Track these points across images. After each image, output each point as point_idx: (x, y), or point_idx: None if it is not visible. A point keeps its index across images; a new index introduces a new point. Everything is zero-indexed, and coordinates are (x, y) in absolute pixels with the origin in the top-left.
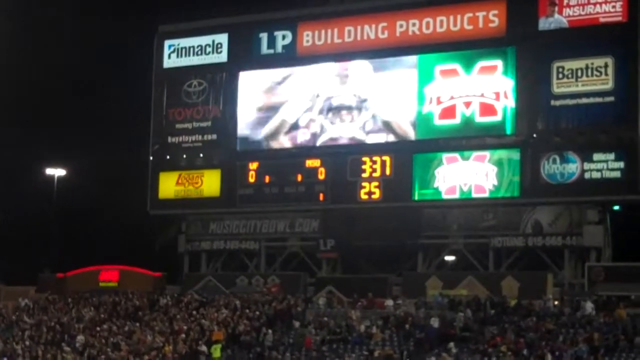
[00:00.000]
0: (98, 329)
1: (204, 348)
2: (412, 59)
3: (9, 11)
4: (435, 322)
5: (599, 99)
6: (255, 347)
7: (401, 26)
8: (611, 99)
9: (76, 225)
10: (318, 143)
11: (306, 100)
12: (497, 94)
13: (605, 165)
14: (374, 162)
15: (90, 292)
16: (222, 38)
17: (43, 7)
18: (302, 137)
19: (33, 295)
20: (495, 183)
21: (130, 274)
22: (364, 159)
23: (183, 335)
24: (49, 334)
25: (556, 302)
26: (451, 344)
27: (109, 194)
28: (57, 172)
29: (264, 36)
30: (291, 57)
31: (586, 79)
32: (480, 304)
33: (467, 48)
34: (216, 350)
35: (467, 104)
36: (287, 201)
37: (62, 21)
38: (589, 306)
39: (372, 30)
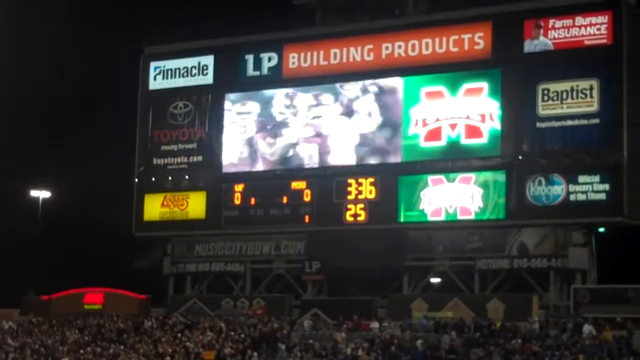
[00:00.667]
0: (82, 351)
1: None
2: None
3: None
4: (420, 345)
5: (584, 121)
6: None
7: (387, 48)
8: (596, 121)
9: (61, 247)
10: (303, 165)
11: (293, 122)
12: (483, 116)
13: (591, 188)
14: (360, 184)
15: (75, 314)
16: (208, 60)
17: (28, 29)
18: (287, 158)
19: (17, 318)
20: (481, 205)
21: (115, 296)
22: (350, 180)
23: (168, 358)
24: (32, 356)
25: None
26: None
27: (94, 216)
28: (41, 194)
29: (249, 58)
30: (277, 79)
31: (571, 101)
32: (466, 326)
33: (453, 70)
34: None
35: (453, 126)
36: (273, 223)
37: (47, 42)
38: (587, 328)
39: (358, 53)
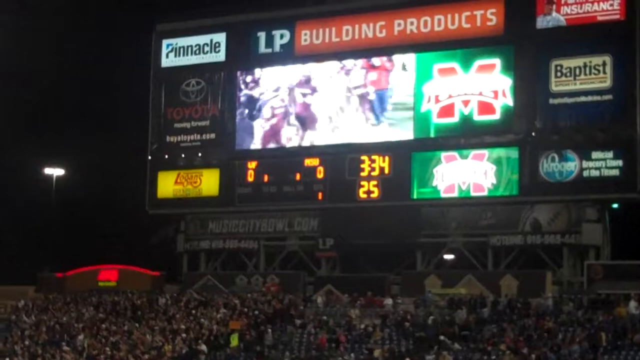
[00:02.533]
0: (97, 328)
1: (203, 347)
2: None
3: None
4: (432, 321)
5: (597, 97)
6: (254, 346)
7: (399, 25)
8: (609, 97)
9: (75, 224)
10: (317, 142)
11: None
12: (496, 93)
13: (604, 164)
14: (373, 161)
15: (90, 291)
16: (220, 37)
17: (42, 8)
18: (300, 135)
19: (32, 295)
20: (494, 181)
21: (130, 273)
22: (363, 157)
23: (183, 335)
24: (48, 333)
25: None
26: (451, 343)
27: (107, 194)
28: (55, 171)
29: (262, 35)
30: (289, 56)
31: (584, 77)
32: (479, 302)
33: (465, 46)
34: (234, 339)
35: (466, 103)
36: (286, 200)
37: (60, 21)
38: (632, 305)
39: (370, 29)
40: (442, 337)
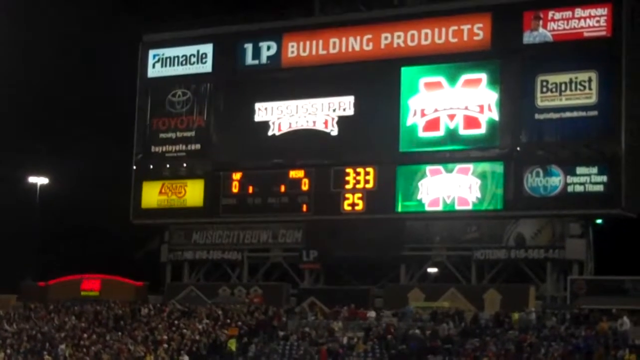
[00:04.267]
0: (79, 338)
1: (185, 358)
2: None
3: None
4: (416, 334)
5: (582, 113)
6: (237, 357)
7: (386, 38)
8: (595, 113)
9: (58, 233)
10: (301, 154)
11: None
12: (482, 107)
13: (589, 179)
14: (358, 174)
15: (72, 301)
16: (207, 48)
17: (28, 16)
18: (284, 147)
19: (14, 304)
20: (479, 196)
21: (113, 283)
22: (348, 170)
23: (165, 345)
24: (30, 342)
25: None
26: (433, 357)
27: (91, 203)
28: (39, 180)
29: (248, 47)
30: (276, 68)
31: (570, 93)
32: (463, 316)
33: (452, 61)
34: (232, 344)
35: (451, 117)
36: (271, 212)
37: (46, 29)
38: (626, 321)
39: (357, 42)
40: (424, 351)
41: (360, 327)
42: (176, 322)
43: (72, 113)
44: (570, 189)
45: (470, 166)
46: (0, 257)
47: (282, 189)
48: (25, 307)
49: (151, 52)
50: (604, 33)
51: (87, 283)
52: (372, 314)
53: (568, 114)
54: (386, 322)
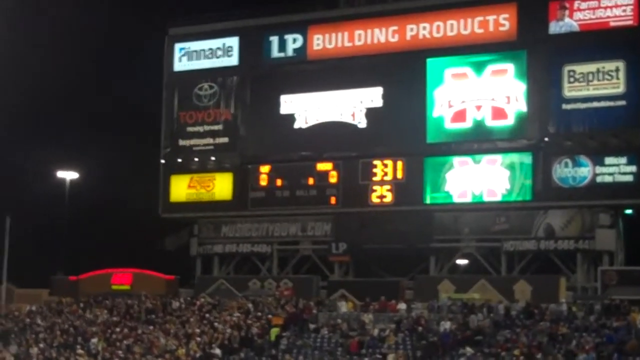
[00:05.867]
0: (111, 331)
1: (217, 351)
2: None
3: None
4: (447, 326)
5: (610, 103)
6: (269, 350)
7: (411, 30)
8: (622, 102)
9: (88, 228)
10: (329, 146)
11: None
12: (509, 98)
13: (617, 169)
14: (385, 166)
15: (103, 295)
16: (233, 41)
17: (54, 10)
18: (313, 140)
19: (46, 299)
20: (507, 187)
21: (143, 277)
22: (375, 162)
23: (197, 339)
24: (62, 336)
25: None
26: (465, 348)
27: (121, 197)
28: (69, 175)
29: (274, 39)
30: (302, 61)
31: (597, 83)
32: (493, 307)
33: (478, 52)
34: (274, 333)
35: (478, 108)
36: (299, 204)
37: (74, 24)
38: None
39: (383, 34)
40: (455, 342)
41: (390, 319)
42: (207, 315)
43: (100, 108)
44: (599, 179)
45: (499, 157)
46: (32, 252)
47: (311, 181)
48: (57, 301)
49: (177, 46)
50: (630, 22)
51: (118, 277)
52: (402, 305)
53: (595, 104)
54: (417, 314)
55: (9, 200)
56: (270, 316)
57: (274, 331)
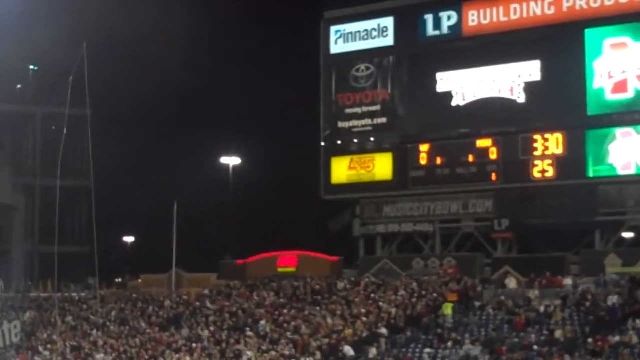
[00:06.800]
0: (278, 313)
1: (383, 330)
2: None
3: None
4: (615, 300)
5: None
6: (434, 329)
7: (568, 1)
8: None
9: (253, 212)
10: (488, 122)
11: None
12: None
13: None
14: (546, 140)
15: (270, 277)
16: (388, 21)
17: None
18: (470, 116)
19: (215, 282)
20: None
21: (308, 259)
22: (536, 137)
23: (363, 319)
24: (231, 319)
25: None
26: (636, 321)
27: (282, 181)
28: (232, 160)
29: (429, 18)
30: (457, 38)
31: None
32: None
33: (637, 20)
34: (447, 308)
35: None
36: (460, 182)
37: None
38: None
39: (539, 7)
40: (624, 317)
41: (557, 295)
42: (372, 295)
43: (258, 94)
44: None
45: None
46: (200, 238)
47: (471, 158)
48: (225, 285)
49: (333, 29)
50: None
51: (283, 260)
52: (568, 281)
53: None
54: (583, 289)
55: (176, 187)
56: (434, 295)
57: (447, 306)
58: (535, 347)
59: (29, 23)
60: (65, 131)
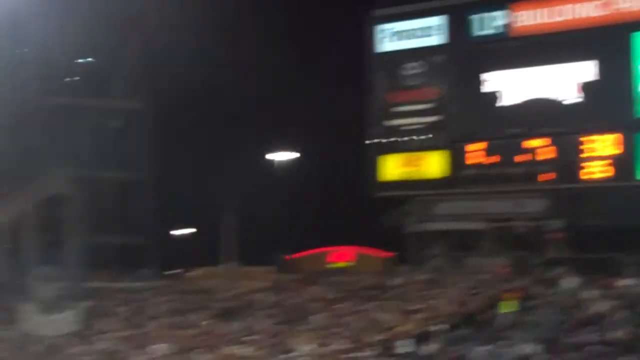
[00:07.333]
0: (333, 308)
1: (437, 327)
2: None
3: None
4: None
5: None
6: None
7: (616, 2)
8: None
9: (308, 207)
10: (538, 122)
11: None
12: None
13: None
14: (599, 141)
15: (322, 273)
16: (436, 20)
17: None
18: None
19: (270, 276)
20: None
21: (362, 255)
22: (588, 137)
23: (417, 315)
24: (286, 313)
25: None
26: None
27: (332, 179)
28: (288, 155)
29: (477, 17)
30: (505, 38)
31: None
32: None
33: None
34: (502, 306)
35: None
36: (511, 181)
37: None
38: None
39: (586, 8)
40: None
41: (612, 296)
42: (425, 292)
43: (305, 92)
44: None
45: None
46: (257, 234)
47: (522, 158)
48: (279, 279)
49: (381, 27)
50: None
51: (337, 255)
52: (624, 282)
53: None
54: (638, 290)
55: (228, 184)
56: (489, 293)
57: (503, 305)
58: (590, 348)
59: (84, 15)
60: (120, 125)
